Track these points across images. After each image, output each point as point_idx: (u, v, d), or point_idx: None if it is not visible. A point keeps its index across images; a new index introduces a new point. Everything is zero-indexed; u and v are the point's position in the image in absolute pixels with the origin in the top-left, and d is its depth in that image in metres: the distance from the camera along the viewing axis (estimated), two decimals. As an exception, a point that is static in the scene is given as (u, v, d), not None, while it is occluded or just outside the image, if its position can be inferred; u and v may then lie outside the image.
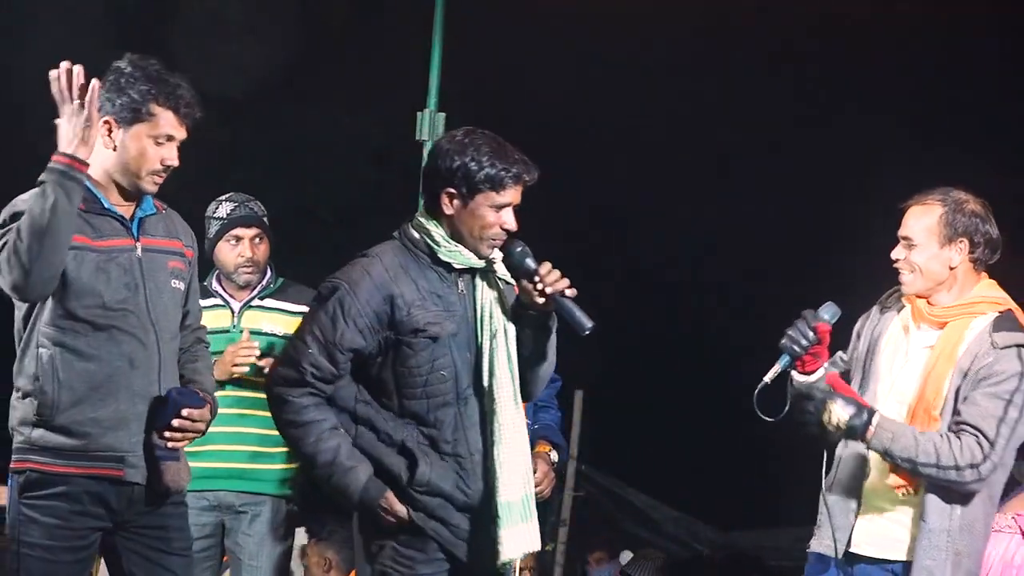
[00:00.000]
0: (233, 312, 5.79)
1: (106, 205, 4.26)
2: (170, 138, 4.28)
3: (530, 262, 4.30)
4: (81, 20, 10.73)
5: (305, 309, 5.80)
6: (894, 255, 4.79)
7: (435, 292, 4.33)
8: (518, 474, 4.29)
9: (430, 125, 7.23)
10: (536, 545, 4.32)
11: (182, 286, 4.41)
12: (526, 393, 4.45)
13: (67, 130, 4.13)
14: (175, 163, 4.28)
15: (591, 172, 13.22)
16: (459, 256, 4.34)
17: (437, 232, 4.35)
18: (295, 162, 11.81)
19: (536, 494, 4.60)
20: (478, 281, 4.38)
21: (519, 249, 4.33)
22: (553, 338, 4.42)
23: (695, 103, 13.10)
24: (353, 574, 8.88)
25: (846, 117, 13.34)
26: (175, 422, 4.24)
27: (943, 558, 4.64)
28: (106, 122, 4.23)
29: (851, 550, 4.84)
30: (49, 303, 4.17)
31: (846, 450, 4.88)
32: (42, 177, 4.22)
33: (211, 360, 4.63)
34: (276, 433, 4.59)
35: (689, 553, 10.92)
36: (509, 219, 4.35)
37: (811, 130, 13.40)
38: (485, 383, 4.31)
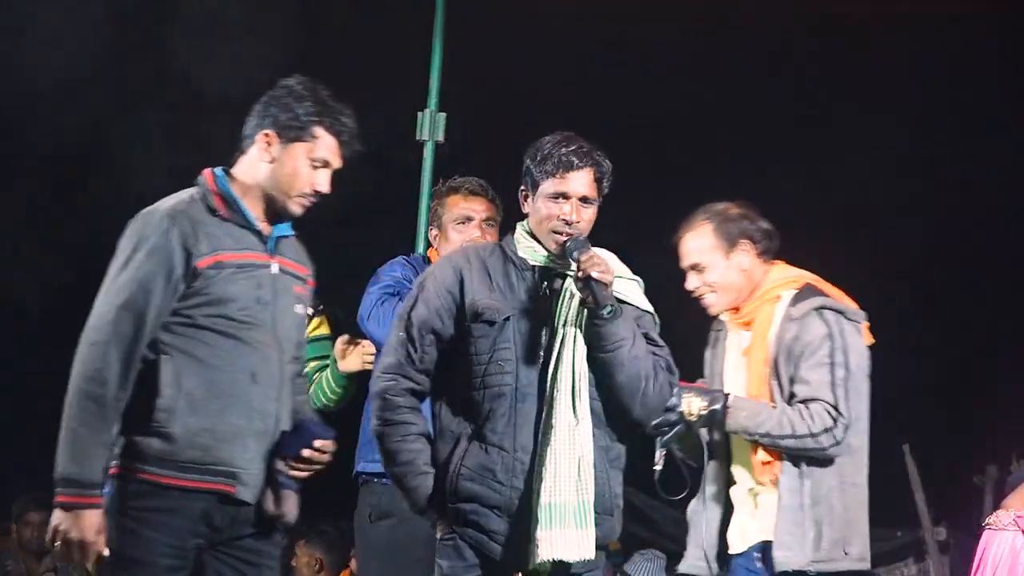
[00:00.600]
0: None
1: (249, 218, 4.17)
2: (325, 164, 4.20)
3: (577, 253, 4.32)
4: (81, 20, 10.73)
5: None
6: (689, 286, 4.99)
7: (508, 285, 4.38)
8: (565, 479, 4.25)
9: (430, 125, 7.24)
10: (588, 553, 4.27)
11: (303, 312, 4.33)
12: (625, 411, 4.39)
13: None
14: (326, 190, 4.23)
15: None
16: (532, 252, 4.39)
17: (521, 229, 4.47)
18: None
19: None
20: (566, 286, 4.38)
21: (572, 241, 4.36)
22: (620, 341, 4.30)
23: (695, 103, 13.09)
24: (345, 574, 8.86)
25: (847, 116, 13.35)
26: (306, 452, 4.12)
27: (800, 533, 4.80)
28: (266, 134, 4.16)
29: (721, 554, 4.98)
30: (171, 308, 4.05)
31: (708, 467, 4.98)
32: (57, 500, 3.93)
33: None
34: None
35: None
36: (566, 210, 4.38)
37: (812, 130, 13.40)
38: (547, 384, 4.30)
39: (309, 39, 11.41)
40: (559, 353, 4.30)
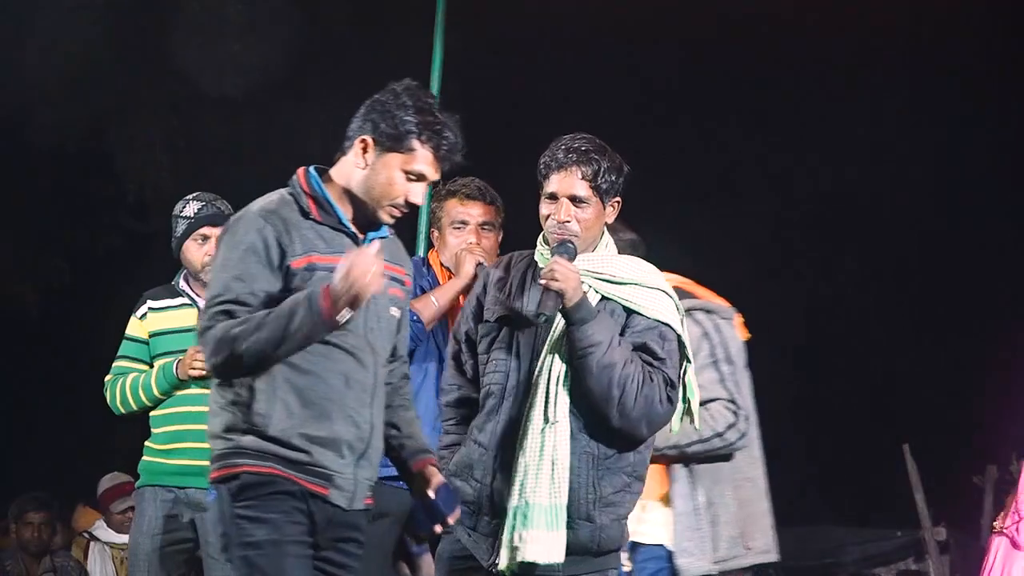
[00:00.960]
0: (200, 311, 5.82)
1: (343, 220, 4.07)
2: (421, 177, 4.07)
3: (558, 254, 4.33)
4: (80, 21, 10.73)
5: None
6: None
7: (520, 288, 4.40)
8: (535, 480, 4.23)
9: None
10: (556, 557, 4.22)
11: (398, 314, 4.23)
12: (602, 418, 4.32)
13: (345, 293, 3.87)
14: (419, 203, 4.10)
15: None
16: (542, 257, 4.40)
17: (542, 234, 4.45)
18: (295, 161, 11.78)
19: None
20: None
21: (558, 246, 4.34)
22: (589, 348, 4.25)
23: (698, 101, 13.10)
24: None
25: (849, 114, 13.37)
26: (438, 529, 4.13)
27: (698, 536, 4.86)
28: (363, 140, 4.05)
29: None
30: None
31: None
32: (301, 302, 3.92)
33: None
34: None
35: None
36: (553, 208, 4.38)
37: (814, 130, 13.41)
38: (537, 384, 4.30)
39: (309, 39, 11.42)
40: (543, 355, 4.31)
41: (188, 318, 5.75)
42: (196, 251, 5.79)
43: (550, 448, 4.25)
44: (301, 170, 4.17)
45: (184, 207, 5.81)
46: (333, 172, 4.13)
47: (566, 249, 4.32)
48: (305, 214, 4.06)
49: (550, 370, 4.29)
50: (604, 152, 4.47)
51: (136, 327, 5.86)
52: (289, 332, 3.89)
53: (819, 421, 14.47)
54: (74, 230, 12.22)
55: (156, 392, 5.65)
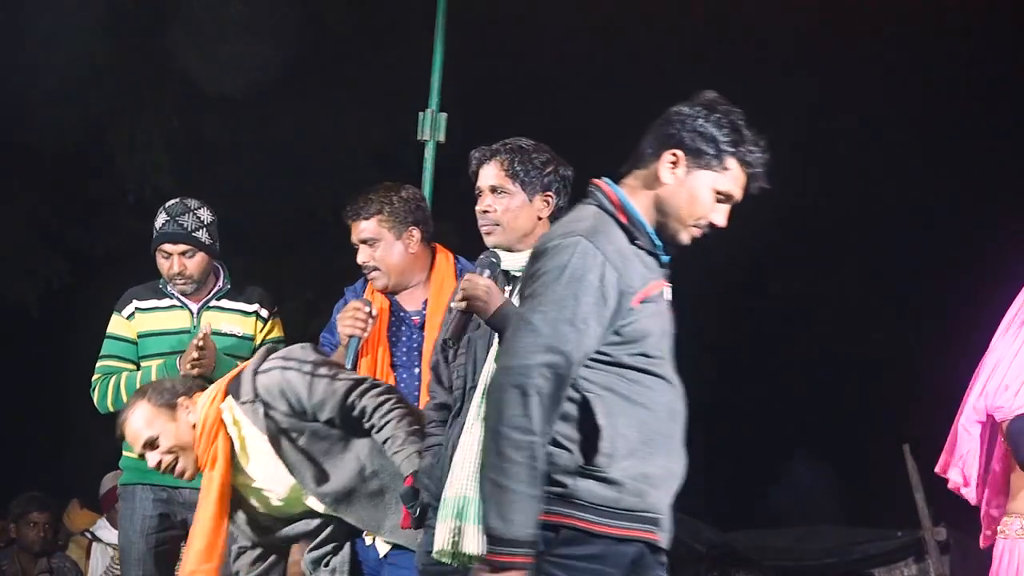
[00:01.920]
0: (192, 313, 5.81)
1: (656, 243, 3.84)
2: (729, 197, 3.85)
3: (479, 270, 4.42)
4: (80, 21, 10.72)
5: (256, 308, 5.86)
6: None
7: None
8: (464, 473, 4.30)
9: (432, 125, 7.23)
10: (480, 548, 4.14)
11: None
12: None
13: None
14: (721, 225, 3.87)
15: (595, 171, 13.20)
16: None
17: None
18: (295, 162, 11.79)
19: None
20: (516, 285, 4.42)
21: (482, 258, 4.46)
22: None
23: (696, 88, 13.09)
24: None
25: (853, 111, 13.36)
26: None
27: None
28: (675, 155, 3.81)
29: None
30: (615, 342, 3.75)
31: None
32: None
33: None
34: None
35: (689, 553, 10.90)
36: (481, 204, 4.52)
37: (817, 124, 13.41)
38: (480, 380, 4.37)
39: (310, 39, 11.41)
40: (488, 357, 4.36)
41: (178, 320, 5.77)
42: (162, 263, 5.83)
43: (481, 443, 4.25)
44: (603, 184, 3.91)
45: (157, 217, 5.82)
46: (629, 187, 3.88)
47: (484, 262, 4.41)
48: (631, 238, 3.80)
49: (489, 370, 4.32)
50: (531, 146, 4.52)
51: (123, 326, 5.85)
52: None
53: (818, 422, 14.46)
54: (74, 230, 12.20)
55: None
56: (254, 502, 5.02)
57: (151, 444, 4.96)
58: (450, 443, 4.40)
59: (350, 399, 4.78)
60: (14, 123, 11.11)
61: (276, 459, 4.89)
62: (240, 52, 11.07)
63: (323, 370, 4.86)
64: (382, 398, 4.80)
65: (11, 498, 8.65)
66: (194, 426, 4.91)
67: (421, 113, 7.26)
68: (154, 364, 5.69)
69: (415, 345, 5.34)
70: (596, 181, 3.90)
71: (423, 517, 4.60)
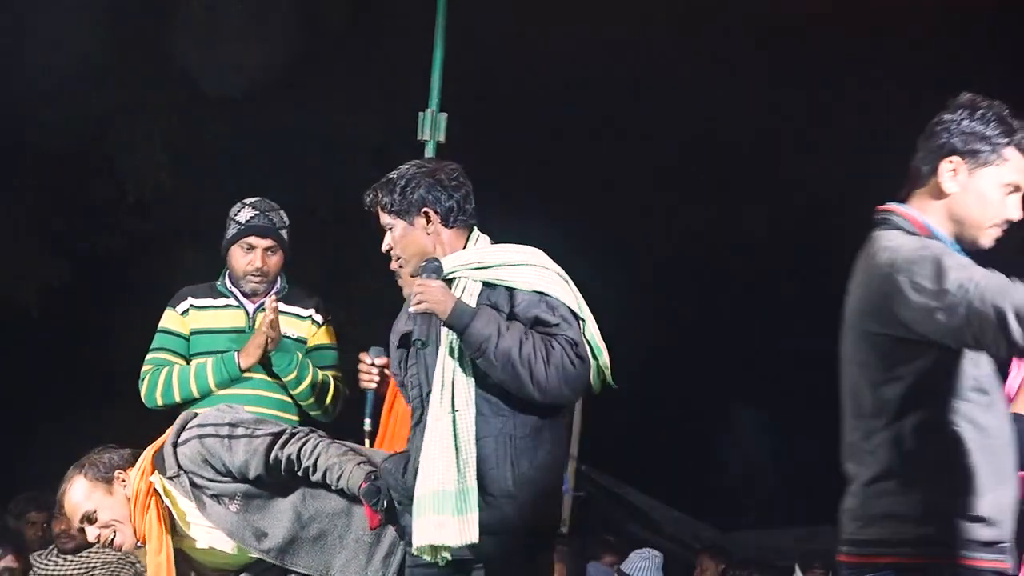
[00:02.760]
0: (248, 313, 5.81)
1: (963, 255, 3.70)
2: (1017, 188, 3.76)
3: (424, 275, 4.48)
4: (80, 20, 10.73)
5: (311, 313, 5.87)
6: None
7: None
8: (436, 468, 4.36)
9: (432, 125, 7.23)
10: (471, 538, 4.31)
11: None
12: (529, 401, 4.43)
13: None
14: (1017, 217, 3.77)
15: (595, 170, 13.23)
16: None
17: None
18: (295, 162, 11.81)
19: None
20: (454, 284, 4.53)
21: (425, 263, 4.51)
22: (481, 345, 4.36)
23: (701, 97, 13.09)
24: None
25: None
26: None
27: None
28: (950, 161, 3.74)
29: None
30: (954, 369, 3.62)
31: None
32: None
33: None
34: None
35: (690, 553, 10.92)
36: (384, 246, 4.63)
37: (820, 121, 13.41)
38: (432, 384, 4.46)
39: (310, 39, 11.42)
40: (440, 352, 4.45)
41: (233, 319, 5.77)
42: (241, 257, 5.79)
43: (450, 435, 4.38)
44: (898, 208, 3.82)
45: (239, 211, 5.80)
46: (917, 207, 3.79)
47: (429, 267, 4.48)
48: None
49: (444, 365, 4.42)
50: (399, 174, 4.63)
51: (176, 321, 5.83)
52: None
53: (823, 421, 14.46)
54: (74, 230, 12.21)
55: (211, 384, 5.66)
56: (207, 558, 5.10)
57: (89, 518, 5.02)
58: (414, 449, 4.46)
59: (273, 455, 4.85)
60: (14, 123, 11.12)
61: (212, 527, 4.97)
62: (240, 52, 11.08)
63: (240, 430, 4.93)
64: (302, 441, 4.87)
65: (9, 497, 8.64)
66: (129, 499, 4.98)
67: (421, 113, 7.26)
68: (210, 360, 5.68)
69: None
70: (888, 207, 3.83)
71: (391, 513, 4.64)
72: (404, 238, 4.59)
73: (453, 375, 4.42)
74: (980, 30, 12.10)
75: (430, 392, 4.44)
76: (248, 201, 5.84)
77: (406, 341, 4.57)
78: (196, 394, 5.66)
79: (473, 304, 4.44)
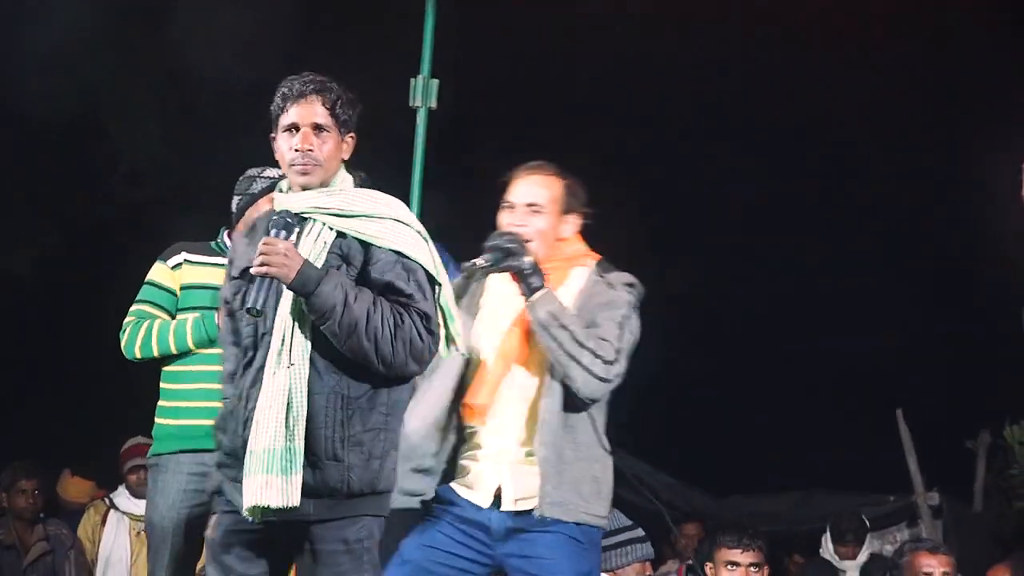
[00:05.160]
0: None
1: None
2: None
3: (275, 232, 4.29)
4: (78, 13, 10.71)
5: None
6: (515, 220, 4.92)
7: (258, 237, 4.37)
8: (268, 425, 4.21)
9: (424, 91, 7.19)
10: (293, 500, 4.18)
11: None
12: (373, 371, 4.33)
13: None
14: None
15: (587, 136, 13.21)
16: (276, 201, 4.44)
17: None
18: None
19: None
20: (305, 227, 4.36)
21: (276, 216, 4.34)
22: (325, 315, 4.22)
23: (680, 58, 13.06)
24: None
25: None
26: None
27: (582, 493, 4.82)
28: None
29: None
30: None
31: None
32: None
33: None
34: None
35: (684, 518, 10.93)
36: (295, 141, 4.40)
37: (826, 117, 13.40)
38: (271, 332, 4.29)
39: (300, 7, 11.38)
40: (276, 301, 4.28)
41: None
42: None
43: (284, 391, 4.22)
44: None
45: (263, 171, 5.75)
46: None
47: (279, 222, 4.30)
48: None
49: (285, 319, 4.26)
50: (340, 85, 4.49)
51: (165, 275, 5.77)
52: None
53: (811, 387, 14.48)
54: (67, 199, 12.19)
55: (190, 342, 5.60)
56: None
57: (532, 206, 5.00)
58: (243, 393, 4.30)
59: None
60: (7, 92, 11.09)
61: None
62: (231, 22, 11.04)
63: None
64: None
65: (3, 468, 8.64)
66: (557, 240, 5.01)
67: (413, 79, 7.22)
68: (190, 316, 5.63)
69: None
70: None
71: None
72: (332, 150, 4.44)
73: (293, 329, 4.26)
74: None
75: (266, 335, 4.28)
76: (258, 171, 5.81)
77: (246, 274, 4.32)
78: (174, 350, 5.61)
79: (322, 254, 4.30)
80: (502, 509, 4.82)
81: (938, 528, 10.91)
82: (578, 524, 4.80)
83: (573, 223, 5.03)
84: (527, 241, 4.88)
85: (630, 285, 4.98)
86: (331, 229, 4.34)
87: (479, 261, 4.81)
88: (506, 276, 4.93)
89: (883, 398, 11.76)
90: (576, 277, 4.99)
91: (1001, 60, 12.30)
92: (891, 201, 14.23)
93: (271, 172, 5.68)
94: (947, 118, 13.53)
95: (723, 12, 12.54)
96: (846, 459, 13.82)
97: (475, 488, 4.86)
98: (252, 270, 4.22)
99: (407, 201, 6.96)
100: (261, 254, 4.21)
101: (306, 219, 4.35)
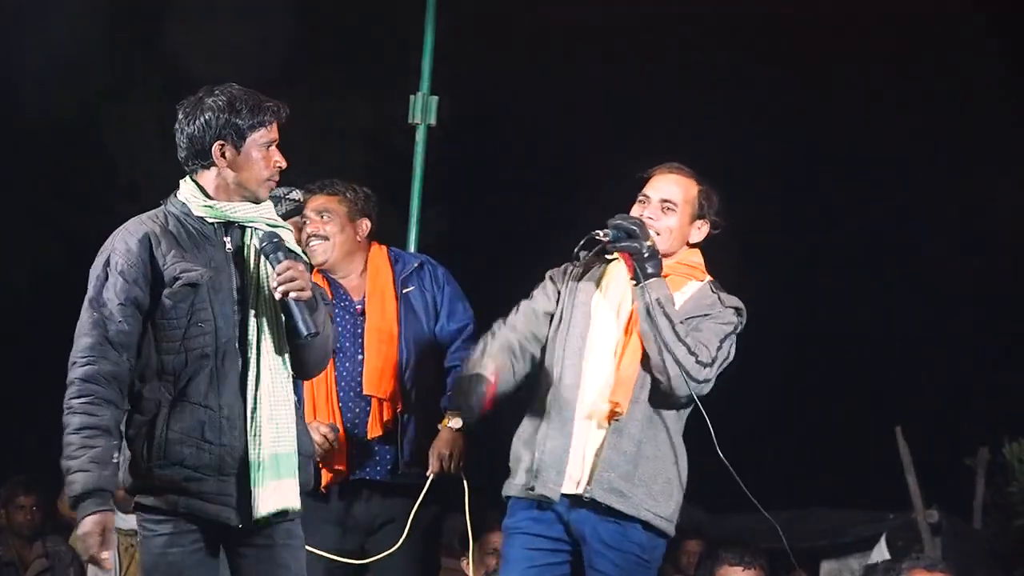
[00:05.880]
0: None
1: None
2: None
3: (275, 256, 4.33)
4: (74, 2, 10.70)
5: None
6: (647, 214, 4.96)
7: (194, 245, 4.34)
8: (283, 429, 4.30)
9: (423, 108, 7.19)
10: (294, 504, 4.28)
11: None
12: (299, 369, 4.46)
13: None
14: None
15: (586, 151, 13.22)
16: (210, 209, 4.39)
17: (188, 188, 4.44)
18: (286, 146, 11.78)
19: (443, 471, 5.19)
20: (247, 236, 4.38)
21: (269, 243, 4.36)
22: (317, 332, 4.35)
23: (703, 73, 13.07)
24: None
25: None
26: None
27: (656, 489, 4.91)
28: None
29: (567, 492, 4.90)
30: None
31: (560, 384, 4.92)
32: None
33: None
34: None
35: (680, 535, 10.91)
36: (278, 157, 4.45)
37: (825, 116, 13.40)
38: (250, 336, 4.30)
39: (300, 22, 11.39)
40: (258, 304, 4.32)
41: None
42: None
43: (287, 396, 4.33)
44: None
45: (290, 192, 5.79)
46: None
47: (278, 247, 4.35)
48: None
49: (272, 317, 4.33)
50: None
51: None
52: None
53: (810, 404, 14.47)
54: (66, 213, 12.19)
55: None
56: None
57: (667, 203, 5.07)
58: (222, 403, 4.26)
59: None
60: (6, 104, 11.09)
61: None
62: (232, 35, 11.06)
63: None
64: None
65: (4, 483, 8.60)
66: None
67: (412, 96, 7.23)
68: None
69: (359, 332, 5.48)
70: None
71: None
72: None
73: (280, 325, 4.34)
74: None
75: (229, 340, 4.28)
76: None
77: (194, 278, 4.28)
78: None
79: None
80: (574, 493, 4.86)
81: (937, 545, 10.89)
82: (642, 523, 4.86)
83: (701, 230, 5.06)
84: (656, 234, 4.92)
85: (739, 309, 5.03)
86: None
87: (600, 233, 4.82)
88: (615, 275, 4.96)
89: (882, 415, 11.74)
90: (691, 287, 5.03)
91: None
92: (888, 215, 14.23)
93: (296, 195, 5.74)
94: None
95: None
96: (845, 476, 13.82)
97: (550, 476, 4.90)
98: (291, 296, 4.27)
99: (406, 217, 6.99)
100: (289, 280, 4.28)
101: (244, 228, 4.43)
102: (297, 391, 4.65)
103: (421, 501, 5.38)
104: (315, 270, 5.34)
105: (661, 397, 4.88)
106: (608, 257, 5.00)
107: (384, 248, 5.69)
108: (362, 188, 5.71)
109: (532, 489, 4.84)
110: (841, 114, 13.72)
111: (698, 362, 4.83)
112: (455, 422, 5.36)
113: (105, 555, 4.24)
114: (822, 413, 14.44)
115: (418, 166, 7.08)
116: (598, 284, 5.01)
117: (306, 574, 4.41)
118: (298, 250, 4.46)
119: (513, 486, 4.97)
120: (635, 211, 4.98)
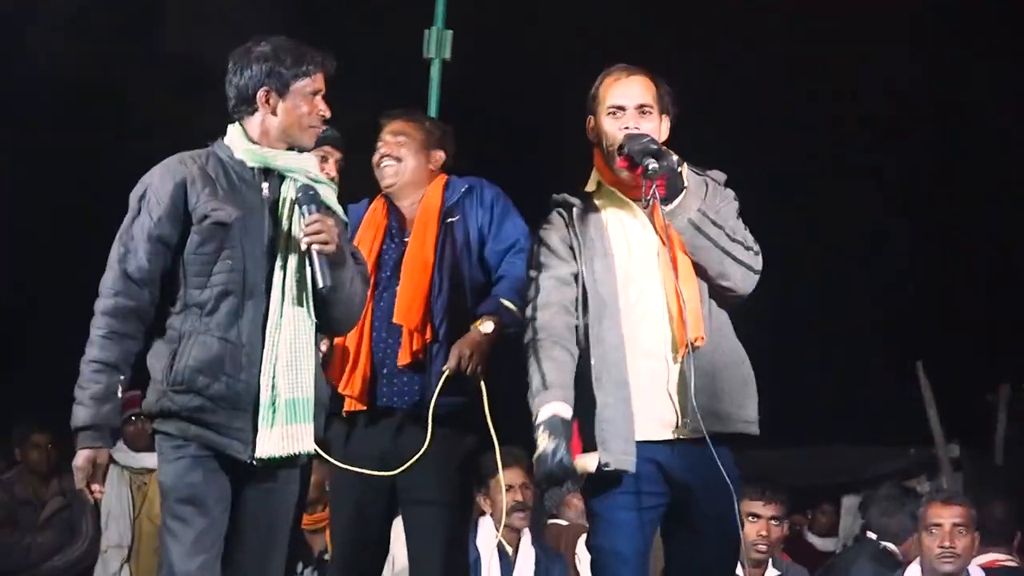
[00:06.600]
0: None
1: None
2: None
3: (308, 207, 4.42)
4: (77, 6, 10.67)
5: None
6: (625, 125, 4.67)
7: (230, 186, 4.46)
8: (297, 375, 4.38)
9: (437, 42, 7.11)
10: (307, 447, 4.37)
11: None
12: (325, 325, 4.52)
13: None
14: None
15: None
16: (251, 154, 4.50)
17: (236, 132, 4.57)
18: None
19: (458, 369, 5.11)
20: (284, 186, 4.49)
21: (304, 194, 4.44)
22: (337, 287, 4.42)
23: (699, 25, 12.97)
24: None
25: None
26: None
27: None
28: None
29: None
30: None
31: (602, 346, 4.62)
32: None
33: None
34: None
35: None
36: (321, 107, 4.59)
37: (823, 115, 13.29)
38: (275, 282, 4.40)
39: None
40: (287, 249, 4.43)
41: None
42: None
43: (309, 342, 4.42)
44: None
45: None
46: None
47: (316, 197, 4.45)
48: None
49: (298, 264, 4.42)
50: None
51: None
52: None
53: (831, 339, 14.43)
54: (78, 152, 12.19)
55: None
56: None
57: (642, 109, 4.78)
58: (244, 339, 4.35)
59: None
60: (13, 98, 11.08)
61: None
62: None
63: None
64: None
65: (12, 418, 8.55)
66: None
67: (427, 30, 7.13)
68: None
69: (400, 258, 5.43)
70: None
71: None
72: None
73: (304, 273, 4.41)
74: None
75: (256, 283, 4.37)
76: None
77: (223, 217, 4.40)
78: None
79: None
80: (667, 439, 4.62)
81: (958, 480, 10.87)
82: (731, 438, 4.64)
83: (666, 125, 4.76)
84: None
85: (726, 178, 4.81)
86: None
87: (650, 166, 4.46)
88: (620, 212, 4.72)
89: (903, 351, 11.69)
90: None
91: None
92: (915, 153, 14.13)
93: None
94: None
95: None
96: (866, 411, 13.79)
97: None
98: (315, 248, 4.36)
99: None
100: (315, 232, 4.36)
101: (283, 177, 4.54)
102: None
103: (456, 428, 5.27)
104: (379, 196, 5.52)
105: (723, 300, 4.67)
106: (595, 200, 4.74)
107: (443, 177, 5.57)
108: (443, 123, 5.79)
109: (608, 466, 4.50)
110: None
111: (754, 253, 4.66)
112: (486, 326, 5.22)
113: (95, 487, 4.36)
114: (843, 349, 14.39)
115: (433, 102, 7.02)
116: (601, 232, 4.70)
117: (291, 521, 4.47)
118: (336, 207, 4.58)
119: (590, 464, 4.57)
120: (608, 125, 4.66)
